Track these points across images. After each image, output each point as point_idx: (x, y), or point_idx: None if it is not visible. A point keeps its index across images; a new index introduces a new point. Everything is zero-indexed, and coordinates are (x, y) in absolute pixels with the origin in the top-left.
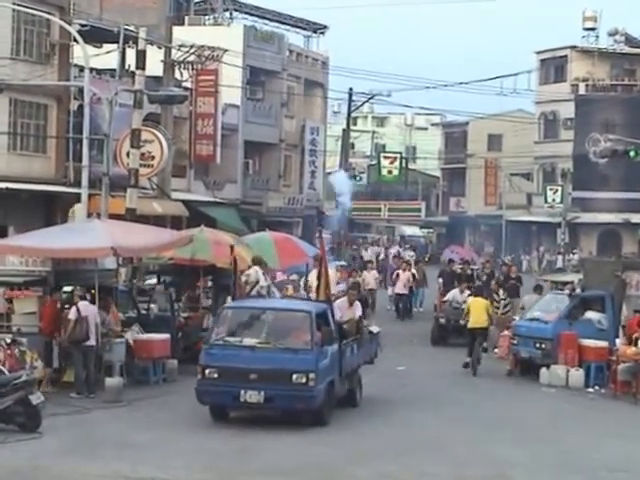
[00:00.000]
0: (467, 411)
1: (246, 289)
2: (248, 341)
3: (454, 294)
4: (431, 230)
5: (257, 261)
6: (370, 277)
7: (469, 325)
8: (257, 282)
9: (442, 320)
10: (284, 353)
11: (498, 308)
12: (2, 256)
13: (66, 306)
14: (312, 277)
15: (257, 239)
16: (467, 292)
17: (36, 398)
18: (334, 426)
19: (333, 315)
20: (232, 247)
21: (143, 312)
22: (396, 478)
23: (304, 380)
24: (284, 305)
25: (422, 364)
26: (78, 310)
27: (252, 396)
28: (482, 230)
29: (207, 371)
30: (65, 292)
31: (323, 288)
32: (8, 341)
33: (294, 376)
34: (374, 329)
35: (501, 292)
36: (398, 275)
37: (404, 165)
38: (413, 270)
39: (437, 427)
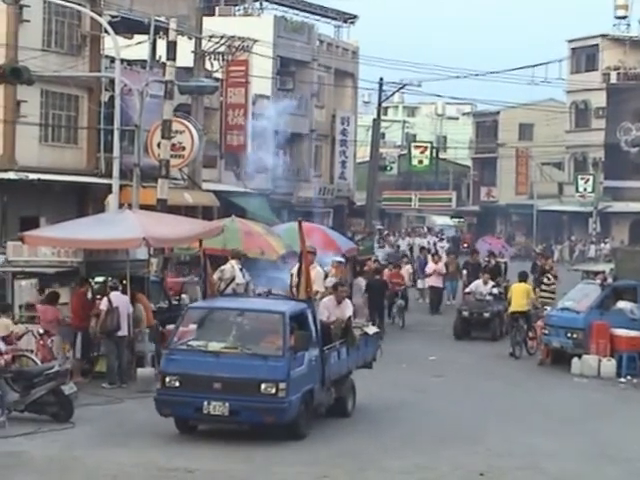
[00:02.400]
0: (499, 401)
1: (220, 286)
2: (213, 346)
3: (477, 285)
4: (462, 220)
5: (235, 255)
6: (404, 272)
7: (510, 309)
8: (233, 279)
9: (465, 313)
10: (252, 360)
11: (537, 308)
12: (34, 247)
13: (98, 297)
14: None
15: (288, 229)
16: (491, 283)
17: (68, 388)
18: (366, 416)
19: (315, 316)
20: (200, 241)
21: (174, 302)
22: (430, 469)
23: (273, 390)
24: (255, 305)
25: (454, 355)
26: (109, 301)
27: (216, 407)
28: (513, 220)
29: (167, 379)
30: (97, 283)
31: (303, 286)
32: (40, 332)
33: (262, 386)
34: (370, 330)
35: (538, 290)
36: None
37: (435, 155)
38: (442, 262)
39: (470, 417)
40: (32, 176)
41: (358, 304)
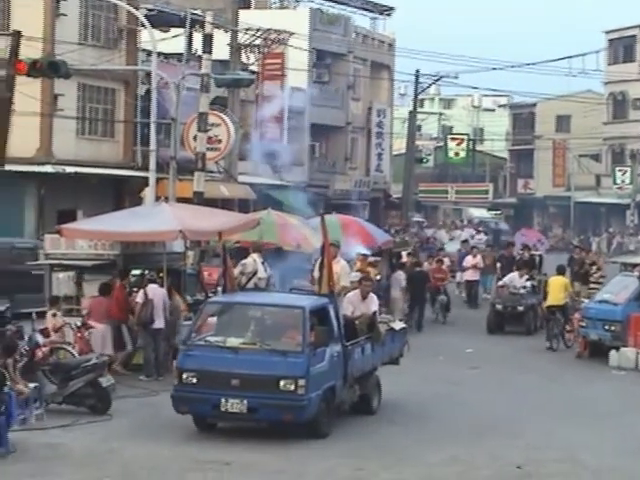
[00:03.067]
0: (536, 394)
1: (242, 280)
2: (231, 341)
3: (512, 278)
4: (499, 212)
5: (256, 249)
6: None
7: (547, 303)
8: (255, 273)
9: (498, 306)
10: (271, 356)
11: (575, 300)
12: (72, 240)
13: (134, 289)
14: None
15: None
16: (525, 277)
17: (106, 381)
18: (402, 408)
19: (337, 311)
20: (220, 235)
21: (211, 294)
22: (466, 462)
23: (292, 387)
24: (275, 300)
25: (490, 347)
26: (145, 293)
27: (234, 405)
28: (550, 212)
29: (184, 375)
30: (134, 275)
31: (325, 280)
32: (78, 324)
33: (281, 382)
34: (396, 325)
35: (577, 285)
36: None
37: (471, 147)
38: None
39: (506, 410)
40: (69, 169)
41: (396, 298)
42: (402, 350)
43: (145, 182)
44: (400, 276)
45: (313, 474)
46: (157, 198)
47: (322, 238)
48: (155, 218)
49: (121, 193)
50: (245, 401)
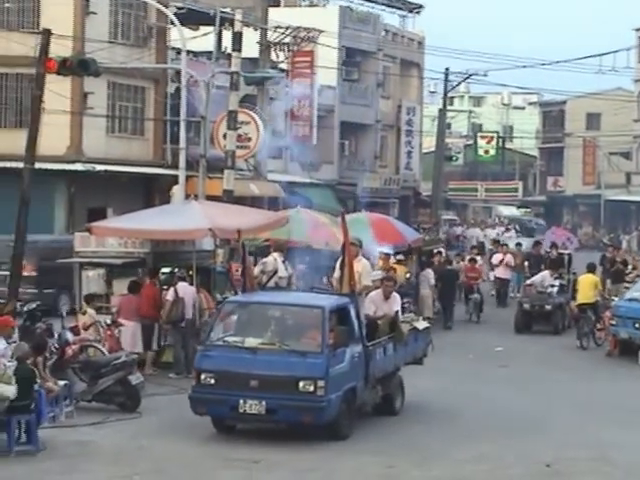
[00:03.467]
0: (566, 392)
1: (262, 280)
2: (250, 342)
3: (543, 277)
4: (528, 210)
5: (278, 247)
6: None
7: (577, 301)
8: (275, 272)
9: (526, 305)
10: (290, 356)
11: (606, 299)
12: (102, 238)
13: (164, 287)
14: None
15: (353, 220)
16: (554, 276)
17: (135, 378)
18: (432, 406)
19: (358, 311)
20: (239, 232)
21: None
22: (496, 459)
23: (312, 388)
24: (294, 300)
25: (521, 346)
26: (176, 291)
27: (252, 406)
28: (580, 210)
29: (203, 376)
30: (163, 273)
31: (346, 279)
32: (108, 322)
33: (300, 383)
34: (420, 325)
35: (608, 282)
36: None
37: (501, 145)
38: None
39: (536, 408)
40: (99, 167)
41: (425, 295)
42: (426, 350)
43: (175, 180)
44: (429, 274)
45: (344, 472)
46: (187, 196)
47: (342, 237)
48: (185, 216)
49: (151, 191)
50: (264, 402)
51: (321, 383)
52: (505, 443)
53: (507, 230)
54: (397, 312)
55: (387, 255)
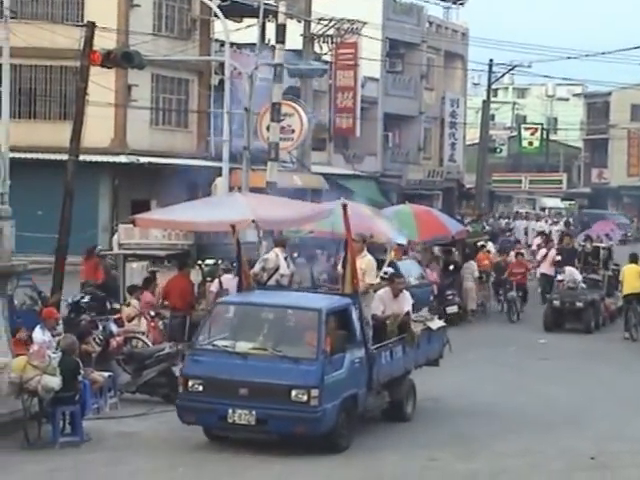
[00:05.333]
0: (606, 385)
1: (263, 277)
2: (241, 346)
3: (571, 272)
4: (573, 202)
5: (279, 243)
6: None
7: (624, 292)
8: (277, 269)
9: (556, 302)
10: (282, 363)
11: None
12: (146, 230)
13: (208, 279)
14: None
15: (397, 212)
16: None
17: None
18: (475, 398)
19: (361, 312)
20: (233, 227)
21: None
22: (539, 452)
23: (305, 398)
24: (290, 301)
25: (565, 338)
26: (220, 283)
27: (242, 416)
28: (625, 202)
29: (190, 382)
30: (207, 265)
31: (349, 278)
32: (152, 314)
33: (293, 392)
34: (434, 325)
35: None
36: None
37: (545, 136)
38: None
39: (579, 401)
40: (143, 159)
41: (468, 288)
42: (442, 351)
43: (218, 172)
44: (472, 266)
45: (386, 464)
46: (230, 188)
47: (345, 232)
48: (228, 208)
49: (194, 183)
50: (254, 412)
51: (315, 392)
52: (547, 436)
53: (554, 223)
54: (408, 312)
55: (400, 245)
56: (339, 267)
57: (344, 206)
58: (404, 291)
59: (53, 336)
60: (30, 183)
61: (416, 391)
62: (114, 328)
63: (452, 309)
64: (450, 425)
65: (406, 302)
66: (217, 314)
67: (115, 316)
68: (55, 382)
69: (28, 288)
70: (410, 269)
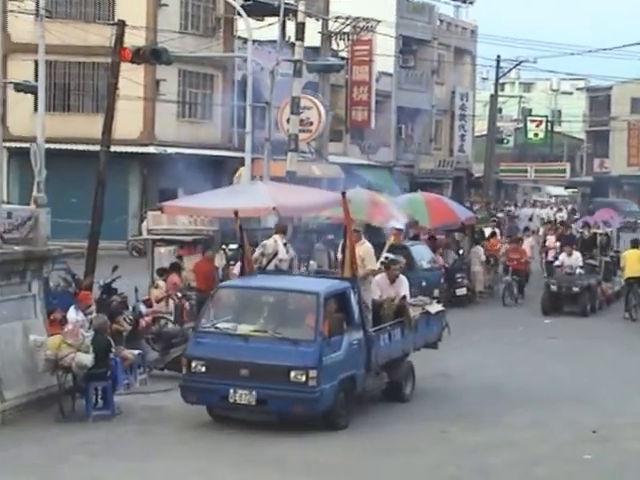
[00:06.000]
0: (613, 362)
1: (263, 262)
2: (242, 329)
3: (562, 258)
4: (576, 190)
5: (279, 229)
6: (526, 246)
7: (625, 275)
8: (275, 254)
9: (553, 287)
10: (282, 344)
11: None
12: (173, 217)
13: (232, 262)
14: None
15: (410, 199)
16: (576, 255)
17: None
18: (481, 375)
19: (359, 296)
20: (236, 213)
21: (302, 269)
22: (545, 426)
23: (303, 378)
24: (289, 285)
25: (569, 319)
26: (242, 266)
27: (242, 396)
28: (625, 190)
29: (193, 364)
30: (231, 250)
31: (348, 263)
32: (179, 295)
33: (292, 373)
34: (432, 308)
35: None
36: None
37: (550, 128)
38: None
39: (583, 378)
40: (170, 150)
41: (476, 271)
42: (440, 334)
43: (241, 162)
44: (479, 251)
45: (398, 436)
46: (252, 177)
47: (345, 219)
48: (250, 195)
49: (219, 173)
50: (254, 392)
51: (313, 373)
52: (553, 411)
53: (559, 210)
54: (404, 296)
55: (399, 230)
56: (339, 253)
57: (343, 194)
58: (400, 276)
59: (86, 315)
60: (64, 173)
61: (415, 372)
62: (143, 309)
63: (461, 291)
64: (460, 400)
65: (402, 287)
66: (219, 298)
67: (144, 297)
68: (88, 359)
69: (62, 271)
70: (422, 253)
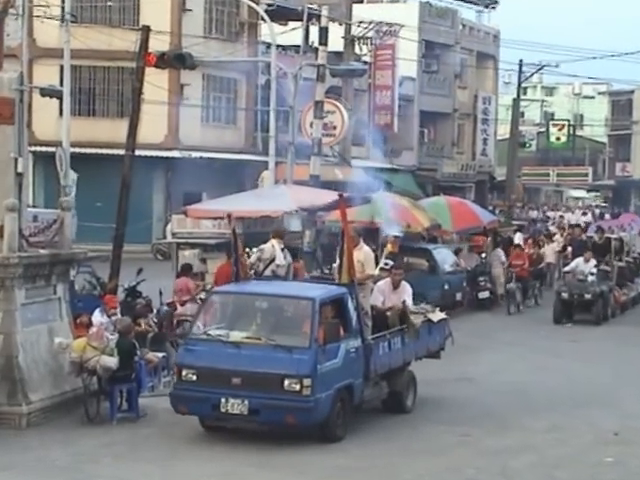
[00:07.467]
0: (634, 366)
1: (259, 267)
2: (234, 335)
3: (577, 263)
4: (598, 194)
5: (277, 234)
6: (550, 249)
7: None
8: (272, 260)
9: (564, 294)
10: (275, 352)
11: None
12: (197, 220)
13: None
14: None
15: (432, 203)
16: (593, 262)
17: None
18: (506, 377)
19: (357, 302)
20: (229, 216)
21: (326, 271)
22: (567, 429)
23: (297, 387)
24: (283, 290)
25: (589, 323)
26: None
27: (234, 406)
28: None
29: (184, 372)
30: (254, 253)
31: (345, 268)
32: (202, 298)
33: (285, 382)
34: (435, 316)
35: None
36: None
37: (572, 132)
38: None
39: (605, 381)
40: (194, 154)
41: (496, 274)
42: (443, 343)
43: (265, 166)
44: (499, 253)
45: (420, 440)
46: (276, 181)
47: (342, 224)
48: (274, 198)
49: (242, 176)
50: (246, 401)
51: (307, 382)
52: (575, 413)
53: (584, 214)
54: (404, 302)
55: (396, 237)
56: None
57: (340, 196)
58: (403, 282)
59: (109, 317)
60: (89, 177)
61: (416, 382)
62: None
63: (484, 294)
64: (482, 403)
65: (405, 293)
66: (212, 303)
67: (168, 300)
68: (113, 362)
69: (87, 274)
70: (445, 257)
